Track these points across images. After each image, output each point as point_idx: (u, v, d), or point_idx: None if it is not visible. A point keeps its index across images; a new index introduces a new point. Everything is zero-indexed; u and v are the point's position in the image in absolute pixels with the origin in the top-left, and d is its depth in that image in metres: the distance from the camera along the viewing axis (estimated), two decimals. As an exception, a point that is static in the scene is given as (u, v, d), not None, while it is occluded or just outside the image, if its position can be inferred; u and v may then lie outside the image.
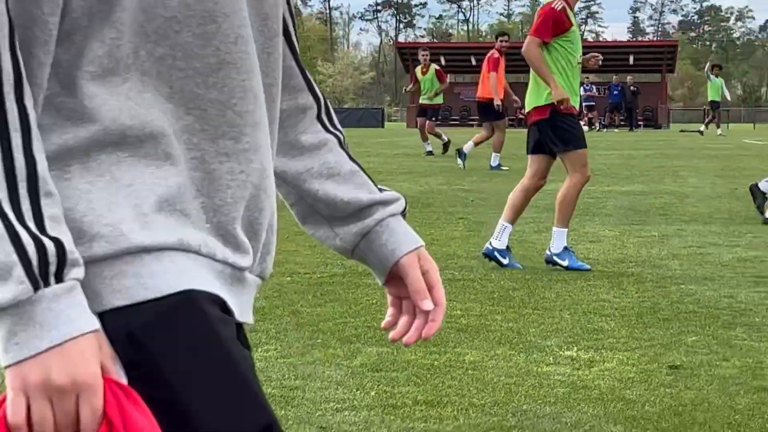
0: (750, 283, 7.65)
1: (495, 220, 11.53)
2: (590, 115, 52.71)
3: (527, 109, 8.78)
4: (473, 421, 4.39)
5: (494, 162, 20.87)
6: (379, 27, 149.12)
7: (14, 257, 1.23)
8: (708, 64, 45.00)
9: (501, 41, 21.67)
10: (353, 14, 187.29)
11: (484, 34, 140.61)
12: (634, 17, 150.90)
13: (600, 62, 9.29)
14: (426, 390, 4.85)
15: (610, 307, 6.77)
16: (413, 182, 17.09)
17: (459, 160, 20.74)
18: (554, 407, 4.60)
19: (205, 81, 1.42)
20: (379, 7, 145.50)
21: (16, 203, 1.25)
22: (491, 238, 8.55)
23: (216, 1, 1.42)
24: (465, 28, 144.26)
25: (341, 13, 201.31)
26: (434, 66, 25.56)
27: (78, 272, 1.27)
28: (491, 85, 21.04)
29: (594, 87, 54.58)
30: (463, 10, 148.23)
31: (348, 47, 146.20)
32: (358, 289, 7.32)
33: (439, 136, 25.48)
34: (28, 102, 1.29)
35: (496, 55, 21.19)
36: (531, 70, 8.58)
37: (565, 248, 8.30)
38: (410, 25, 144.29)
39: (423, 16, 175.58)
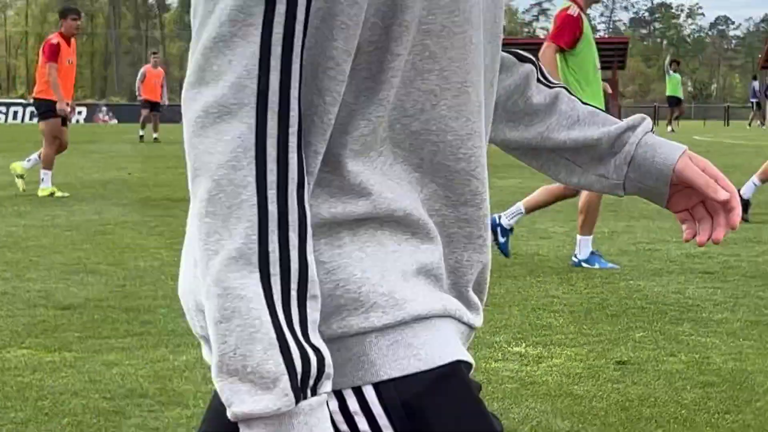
0: (698, 278, 7.71)
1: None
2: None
3: None
4: (421, 418, 4.38)
5: None
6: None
7: (282, 367, 1.22)
8: (668, 58, 45.23)
9: None
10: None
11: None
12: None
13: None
14: (374, 387, 4.84)
15: (559, 303, 6.79)
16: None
17: None
18: (502, 403, 4.61)
19: (455, 153, 1.42)
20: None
21: (287, 307, 1.24)
22: (503, 212, 8.58)
23: (467, 71, 1.41)
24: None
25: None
26: None
27: (328, 385, 1.26)
28: None
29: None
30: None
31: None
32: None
33: None
34: (307, 202, 1.28)
35: None
36: None
37: (592, 253, 8.31)
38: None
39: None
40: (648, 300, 6.91)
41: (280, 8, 1.25)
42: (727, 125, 58.94)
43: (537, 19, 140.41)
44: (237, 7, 1.25)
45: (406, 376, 1.33)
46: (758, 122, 56.37)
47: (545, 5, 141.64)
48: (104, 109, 58.23)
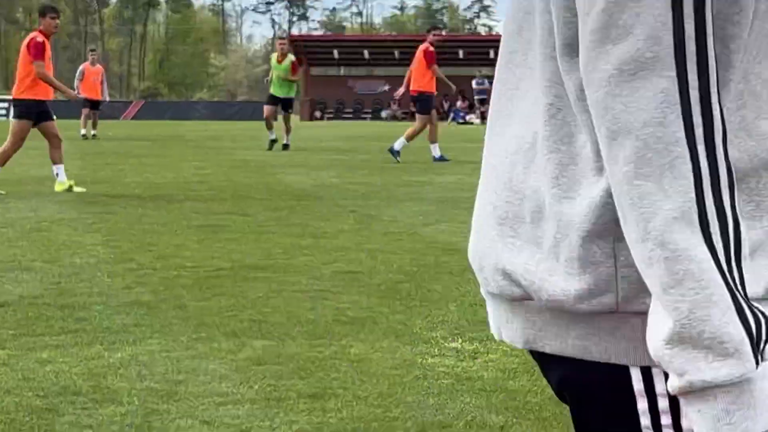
0: (633, 274, 7.77)
1: (385, 214, 11.59)
2: (483, 109, 53.06)
3: None
4: (357, 414, 4.39)
5: (436, 153, 20.92)
6: (273, 20, 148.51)
7: (742, 331, 1.16)
8: None
9: (434, 35, 21.73)
10: (246, 7, 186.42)
11: (378, 27, 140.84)
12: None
13: None
14: (310, 383, 4.85)
15: (496, 299, 6.81)
16: (305, 175, 17.06)
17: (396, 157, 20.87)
18: (438, 398, 4.63)
19: None
20: (272, 0, 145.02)
21: (730, 268, 1.19)
22: None
23: None
24: (359, 20, 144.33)
25: (234, 6, 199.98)
26: (291, 57, 25.16)
27: None
28: (439, 77, 21.11)
29: (486, 80, 54.97)
30: (356, 3, 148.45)
31: (241, 40, 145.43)
32: (245, 283, 7.29)
33: (289, 131, 24.86)
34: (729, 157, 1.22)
35: (431, 48, 21.25)
36: None
37: None
38: (303, 17, 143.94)
39: (316, 9, 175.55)
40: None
41: None
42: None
43: (478, 16, 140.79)
44: None
45: None
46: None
47: (486, 2, 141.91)
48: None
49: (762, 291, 1.28)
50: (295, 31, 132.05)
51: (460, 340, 5.70)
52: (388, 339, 5.72)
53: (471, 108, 54.77)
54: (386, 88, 72.47)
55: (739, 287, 1.18)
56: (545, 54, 1.35)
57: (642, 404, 1.30)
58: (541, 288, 1.32)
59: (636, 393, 1.30)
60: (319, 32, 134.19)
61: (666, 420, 1.30)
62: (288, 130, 24.85)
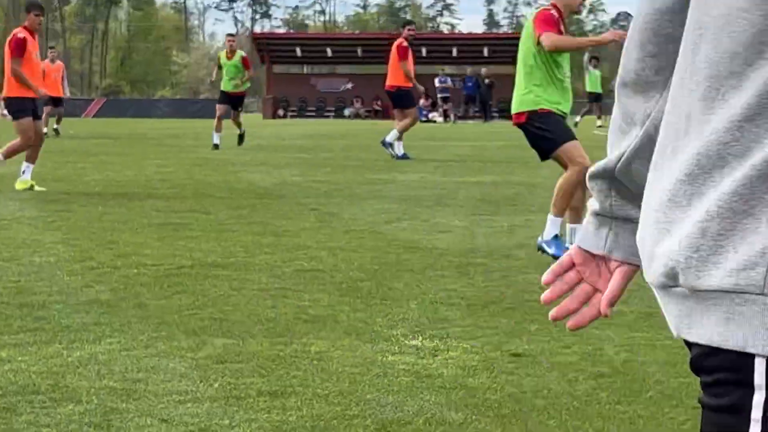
0: (593, 271, 7.80)
1: (347, 212, 11.60)
2: (445, 107, 53.14)
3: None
4: (316, 412, 4.39)
5: (399, 151, 20.93)
6: (235, 17, 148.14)
7: None
8: (586, 55, 45.67)
9: (409, 30, 21.73)
10: (208, 4, 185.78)
11: (340, 25, 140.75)
12: (489, 9, 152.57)
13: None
14: (270, 381, 4.84)
15: (457, 297, 6.84)
16: (267, 173, 17.04)
17: (388, 150, 20.87)
18: (397, 396, 4.63)
19: None
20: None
21: None
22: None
23: None
24: (321, 18, 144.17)
25: (196, 3, 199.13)
26: (241, 53, 25.04)
27: None
28: (405, 72, 21.10)
29: (449, 79, 55.09)
30: (319, 1, 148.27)
31: (203, 37, 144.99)
32: (205, 281, 7.28)
33: (239, 125, 24.70)
34: None
35: (405, 44, 21.25)
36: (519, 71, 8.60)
37: (556, 236, 8.27)
38: (266, 15, 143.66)
39: (279, 7, 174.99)
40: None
41: None
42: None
43: (441, 14, 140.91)
44: None
45: None
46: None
47: (449, 0, 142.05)
48: (1, 103, 57.30)
49: None
50: (257, 29, 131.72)
51: (420, 338, 5.71)
52: (349, 337, 5.73)
53: (434, 106, 54.79)
54: (349, 86, 72.45)
55: None
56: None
57: (758, 397, 1.26)
58: (686, 269, 1.28)
59: (755, 385, 1.26)
60: (282, 30, 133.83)
61: None
62: (239, 126, 24.55)
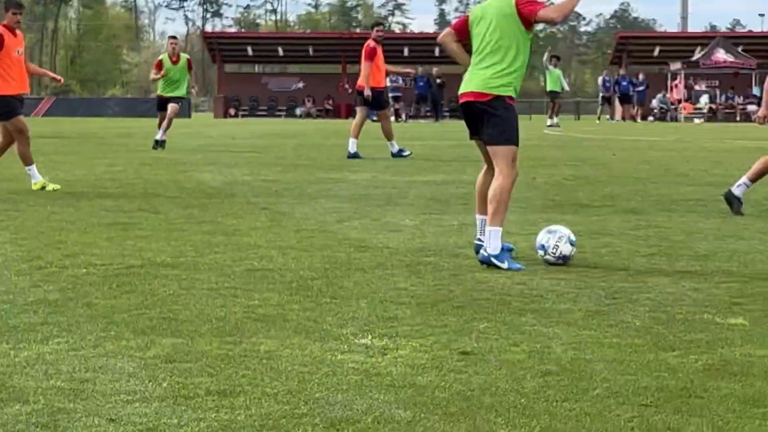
0: (542, 270, 7.85)
1: (298, 211, 11.59)
2: (397, 107, 53.16)
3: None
4: (265, 410, 4.39)
5: (352, 149, 20.92)
6: (186, 16, 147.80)
7: None
8: (546, 54, 45.95)
9: (377, 31, 21.72)
10: (159, 3, 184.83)
11: (292, 24, 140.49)
12: (441, 9, 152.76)
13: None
14: (219, 380, 4.84)
15: (407, 296, 6.85)
16: (217, 173, 17.00)
17: (403, 155, 20.94)
18: (346, 394, 4.64)
19: None
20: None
21: None
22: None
23: None
24: (273, 18, 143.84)
25: (147, 2, 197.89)
26: (186, 56, 24.66)
27: None
28: (363, 74, 21.11)
29: (401, 78, 55.09)
30: (271, 0, 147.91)
31: (154, 36, 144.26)
32: (155, 280, 7.25)
33: (169, 122, 24.14)
34: None
35: (372, 44, 21.24)
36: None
37: (502, 249, 7.99)
38: (217, 14, 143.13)
39: (230, 6, 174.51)
40: (493, 291, 7.02)
41: None
42: (578, 119, 60.01)
43: (393, 14, 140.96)
44: None
45: None
46: (607, 117, 57.57)
47: (401, 0, 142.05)
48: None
49: None
50: (208, 28, 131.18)
51: (369, 337, 5.72)
52: (298, 336, 5.73)
53: (385, 105, 54.78)
54: (300, 85, 72.33)
55: None
56: None
57: None
58: None
59: None
60: (233, 29, 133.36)
61: None
62: (168, 125, 23.93)
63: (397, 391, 4.71)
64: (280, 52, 73.74)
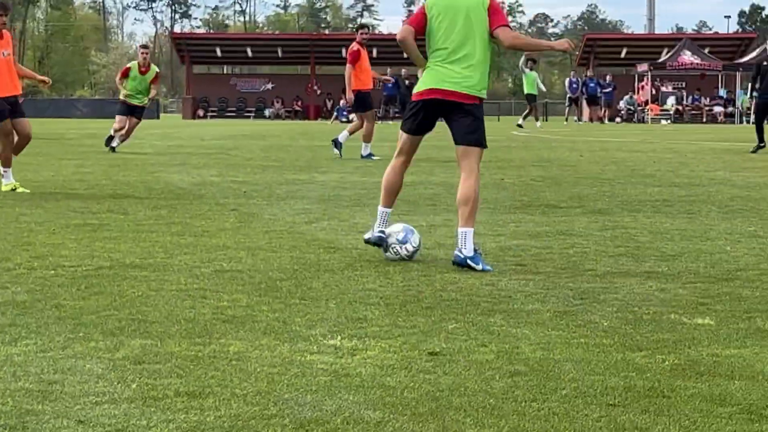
0: (511, 270, 7.88)
1: (266, 212, 11.59)
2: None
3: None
4: (234, 412, 4.40)
5: (364, 151, 21.04)
6: (154, 17, 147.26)
7: None
8: (523, 58, 46.09)
9: (361, 34, 21.72)
10: (127, 4, 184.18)
11: (261, 25, 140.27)
12: (409, 11, 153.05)
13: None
14: (188, 381, 4.84)
15: (376, 296, 6.87)
16: (186, 174, 16.97)
17: (335, 150, 20.98)
18: (315, 395, 4.65)
19: None
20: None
21: None
22: None
23: None
24: (242, 19, 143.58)
25: (115, 2, 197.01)
26: (156, 69, 24.35)
27: None
28: (346, 77, 21.10)
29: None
30: (239, 1, 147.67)
31: (122, 37, 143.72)
32: (123, 282, 7.24)
33: (128, 135, 24.01)
34: None
35: (356, 47, 21.22)
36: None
37: (475, 250, 7.98)
38: (186, 15, 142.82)
39: (199, 7, 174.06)
40: (462, 292, 7.04)
41: None
42: (546, 121, 60.15)
43: (361, 15, 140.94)
44: None
45: None
46: (575, 118, 57.80)
47: (369, 1, 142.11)
48: None
49: None
50: (177, 29, 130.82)
51: (338, 337, 5.73)
52: (267, 337, 5.74)
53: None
54: (269, 86, 72.27)
55: None
56: None
57: None
58: None
59: None
60: (202, 30, 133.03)
61: None
62: (128, 137, 23.87)
63: (366, 391, 4.72)
64: (249, 53, 73.63)
